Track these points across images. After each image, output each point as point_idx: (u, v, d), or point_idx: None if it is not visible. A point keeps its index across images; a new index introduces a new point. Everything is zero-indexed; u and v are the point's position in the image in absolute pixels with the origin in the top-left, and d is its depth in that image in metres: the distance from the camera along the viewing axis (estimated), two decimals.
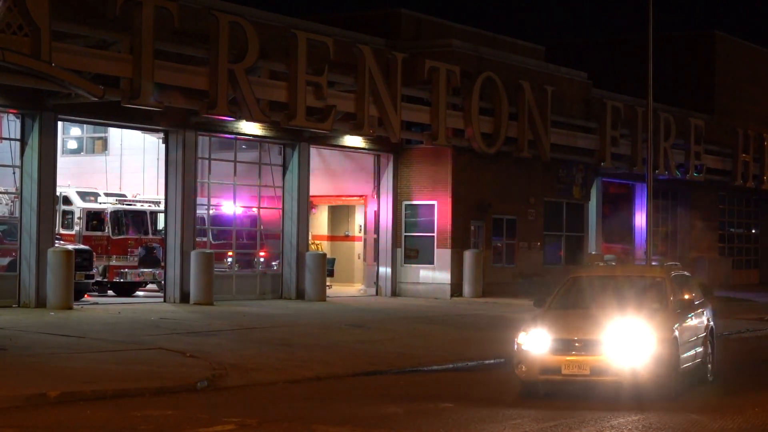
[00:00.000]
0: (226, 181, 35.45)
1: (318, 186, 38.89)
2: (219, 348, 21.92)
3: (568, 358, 16.83)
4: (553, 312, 17.95)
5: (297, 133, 34.88)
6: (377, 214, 40.31)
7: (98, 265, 34.02)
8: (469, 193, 40.11)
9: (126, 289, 35.76)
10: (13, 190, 30.45)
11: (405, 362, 21.92)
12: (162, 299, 32.87)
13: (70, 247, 30.93)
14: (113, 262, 34.89)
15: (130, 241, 35.27)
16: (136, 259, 35.21)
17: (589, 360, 16.77)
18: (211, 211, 35.46)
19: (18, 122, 29.46)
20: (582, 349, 16.84)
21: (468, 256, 39.44)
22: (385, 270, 39.87)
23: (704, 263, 52.42)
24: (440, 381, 20.20)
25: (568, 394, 17.21)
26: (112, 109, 29.31)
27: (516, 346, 17.28)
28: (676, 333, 17.36)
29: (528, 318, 17.65)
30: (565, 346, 16.89)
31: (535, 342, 17.00)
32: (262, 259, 36.78)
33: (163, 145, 33.17)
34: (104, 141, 41.92)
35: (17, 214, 29.77)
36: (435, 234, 39.62)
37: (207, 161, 34.50)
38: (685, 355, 17.82)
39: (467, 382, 19.81)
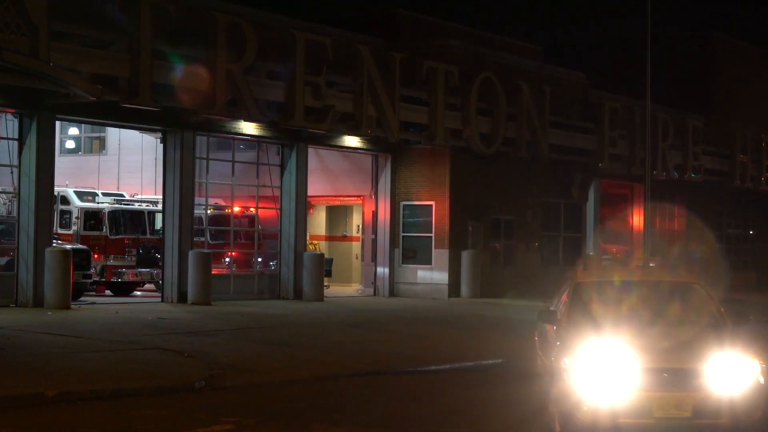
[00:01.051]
0: (224, 181, 35.44)
1: (316, 186, 38.87)
2: (217, 348, 21.89)
3: (661, 394, 13.00)
4: (603, 329, 13.92)
5: (295, 133, 34.85)
6: (375, 215, 40.30)
7: (96, 265, 33.99)
8: (467, 194, 40.09)
9: (124, 289, 35.74)
10: (11, 190, 30.42)
11: (403, 363, 21.89)
12: (160, 299, 32.86)
13: (68, 246, 30.92)
14: (111, 262, 34.87)
15: (127, 240, 35.25)
16: (133, 258, 35.20)
17: (690, 397, 13.02)
18: (209, 211, 35.45)
19: (16, 122, 29.44)
20: (677, 382, 13.07)
21: (466, 256, 39.42)
22: (382, 270, 39.85)
23: (702, 264, 52.36)
24: (439, 385, 20.12)
25: None
26: (110, 108, 29.29)
27: (565, 375, 13.43)
28: None
29: (572, 337, 13.91)
30: (654, 378, 13.07)
31: (603, 372, 13.10)
32: (260, 259, 36.77)
33: (161, 145, 33.17)
34: (102, 141, 41.95)
35: (15, 214, 29.75)
36: (433, 234, 39.58)
37: (205, 161, 34.48)
38: None
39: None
